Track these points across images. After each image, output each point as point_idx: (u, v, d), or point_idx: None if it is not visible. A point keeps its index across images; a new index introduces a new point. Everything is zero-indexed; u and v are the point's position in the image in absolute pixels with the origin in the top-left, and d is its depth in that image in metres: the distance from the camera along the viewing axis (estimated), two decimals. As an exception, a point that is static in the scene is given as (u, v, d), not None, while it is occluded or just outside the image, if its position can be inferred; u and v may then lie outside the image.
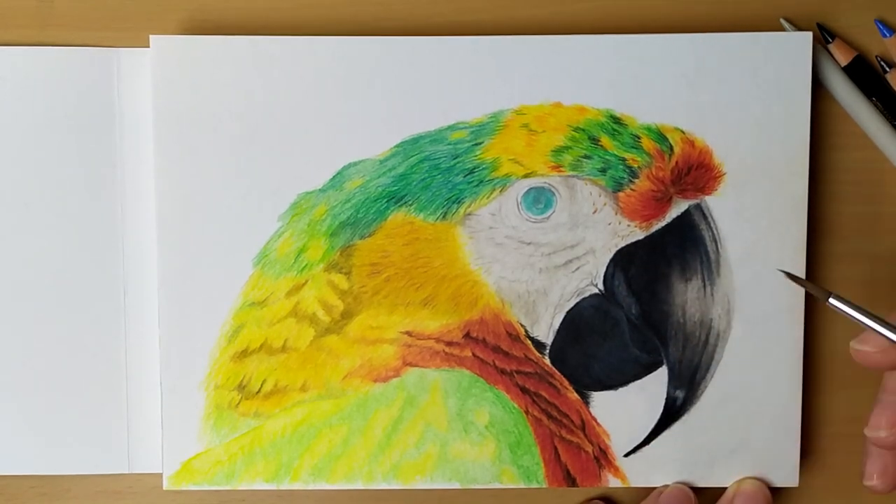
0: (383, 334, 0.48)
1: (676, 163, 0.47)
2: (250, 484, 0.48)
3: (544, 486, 0.48)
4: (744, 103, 0.47)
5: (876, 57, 0.49)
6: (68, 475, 0.50)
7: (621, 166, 0.47)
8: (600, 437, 0.48)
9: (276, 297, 0.48)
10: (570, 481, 0.48)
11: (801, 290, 0.47)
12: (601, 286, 0.48)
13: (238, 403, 0.48)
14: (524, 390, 0.48)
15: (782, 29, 0.48)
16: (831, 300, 0.43)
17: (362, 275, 0.47)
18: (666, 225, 0.47)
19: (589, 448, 0.48)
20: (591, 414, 0.48)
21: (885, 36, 0.48)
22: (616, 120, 0.47)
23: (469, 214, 0.47)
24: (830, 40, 0.48)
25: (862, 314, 0.43)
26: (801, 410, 0.48)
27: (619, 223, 0.47)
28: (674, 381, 0.48)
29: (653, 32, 0.47)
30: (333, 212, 0.47)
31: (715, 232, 0.47)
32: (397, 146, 0.47)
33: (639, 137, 0.47)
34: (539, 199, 0.47)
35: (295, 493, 0.50)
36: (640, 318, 0.48)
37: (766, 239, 0.47)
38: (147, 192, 0.48)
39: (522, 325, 0.48)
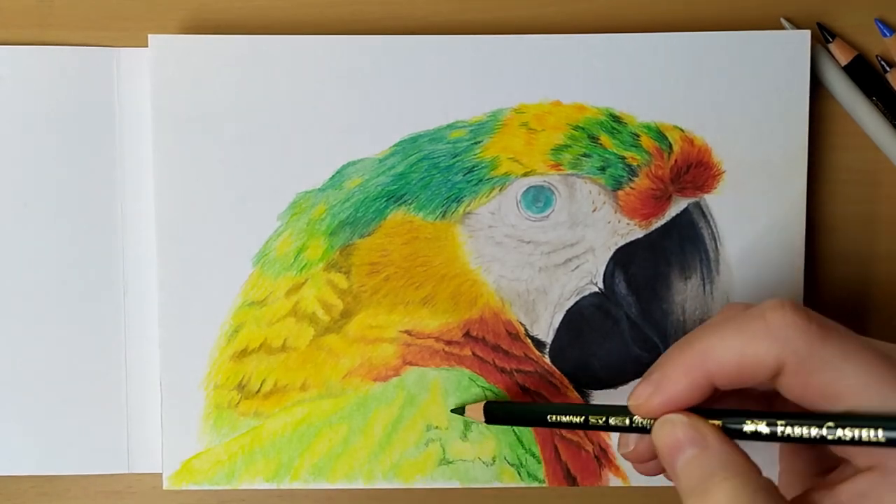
0: (383, 333, 0.48)
1: (676, 161, 0.47)
2: (250, 483, 0.48)
3: (544, 485, 0.48)
4: (743, 102, 0.47)
5: (876, 56, 0.49)
6: (68, 475, 0.50)
7: (621, 165, 0.47)
8: (600, 436, 0.48)
9: (276, 297, 0.48)
10: (571, 480, 0.48)
11: (801, 289, 0.47)
12: (601, 285, 0.47)
13: (238, 403, 0.48)
14: (524, 389, 0.48)
15: (782, 28, 0.48)
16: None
17: (362, 274, 0.47)
18: (665, 223, 0.47)
19: (589, 447, 0.48)
20: (591, 413, 0.48)
21: (885, 35, 0.48)
22: (615, 118, 0.47)
23: (468, 213, 0.47)
24: (830, 40, 0.48)
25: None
26: (801, 409, 0.48)
27: (619, 221, 0.47)
28: (674, 379, 0.48)
29: (652, 31, 0.47)
30: (333, 211, 0.47)
31: (714, 230, 0.47)
32: (396, 145, 0.47)
33: (638, 136, 0.47)
34: (538, 198, 0.47)
35: (295, 492, 0.50)
36: (640, 316, 0.47)
37: (766, 237, 0.47)
38: (146, 192, 0.48)
39: (522, 324, 0.48)
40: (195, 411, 0.48)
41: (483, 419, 0.45)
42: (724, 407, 0.37)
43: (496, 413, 0.45)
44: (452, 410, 0.47)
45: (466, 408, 0.46)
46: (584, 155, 0.47)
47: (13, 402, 0.49)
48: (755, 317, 0.35)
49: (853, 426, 0.33)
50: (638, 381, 0.47)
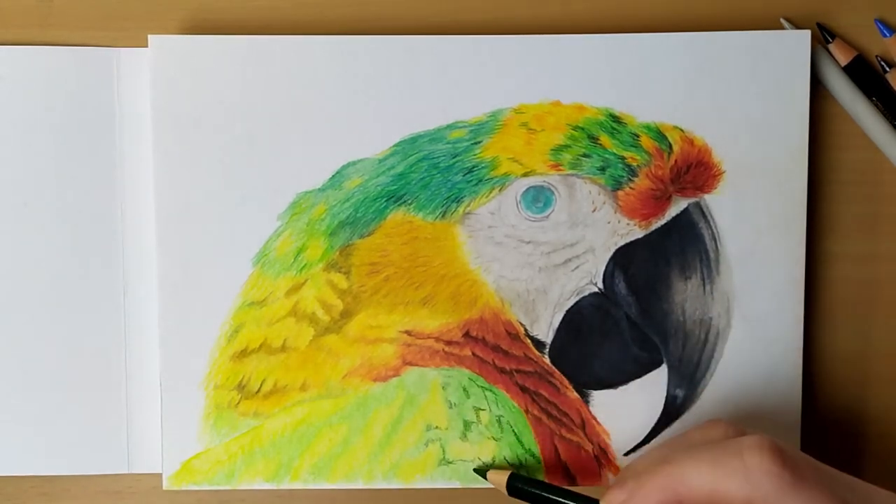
0: (383, 334, 0.48)
1: (675, 161, 0.47)
2: (250, 483, 0.48)
3: (544, 485, 0.48)
4: (743, 102, 0.47)
5: (876, 57, 0.49)
6: (68, 475, 0.50)
7: (620, 165, 0.47)
8: (600, 435, 0.48)
9: (276, 297, 0.48)
10: (570, 480, 0.48)
11: (801, 289, 0.47)
12: (601, 285, 0.47)
13: (238, 403, 0.48)
14: (524, 389, 0.48)
15: (782, 28, 0.48)
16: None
17: (361, 274, 0.47)
18: (665, 223, 0.47)
19: (589, 447, 0.48)
20: (590, 413, 0.48)
21: (885, 36, 0.48)
22: (615, 118, 0.47)
23: (468, 213, 0.47)
24: (830, 40, 0.48)
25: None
26: (801, 409, 0.48)
27: (619, 222, 0.47)
28: (674, 379, 0.48)
29: (652, 31, 0.47)
30: (333, 211, 0.47)
31: (714, 230, 0.47)
32: (396, 145, 0.47)
33: (638, 136, 0.47)
34: (538, 198, 0.47)
35: (295, 492, 0.50)
36: (640, 316, 0.47)
37: (766, 238, 0.47)
38: (146, 192, 0.48)
39: (522, 324, 0.48)
40: (195, 411, 0.48)
41: (505, 489, 0.46)
42: None
43: (517, 487, 0.46)
44: (475, 470, 0.48)
45: (489, 473, 0.47)
46: (584, 155, 0.47)
47: (13, 402, 0.49)
48: (733, 454, 0.38)
49: None
50: (637, 380, 0.48)
